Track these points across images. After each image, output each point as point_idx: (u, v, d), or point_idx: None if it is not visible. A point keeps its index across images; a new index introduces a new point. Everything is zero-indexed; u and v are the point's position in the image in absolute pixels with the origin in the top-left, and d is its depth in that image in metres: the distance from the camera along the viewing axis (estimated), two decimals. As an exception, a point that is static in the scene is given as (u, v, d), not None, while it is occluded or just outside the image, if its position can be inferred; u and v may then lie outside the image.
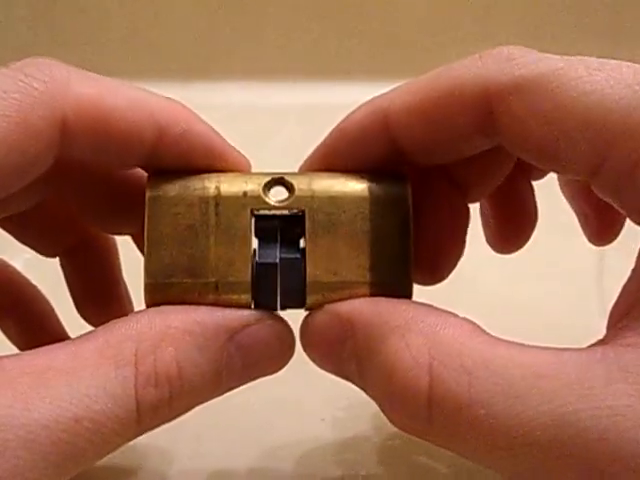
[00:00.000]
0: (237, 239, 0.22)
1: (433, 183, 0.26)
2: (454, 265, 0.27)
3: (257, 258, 0.22)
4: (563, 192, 0.29)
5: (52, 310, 0.31)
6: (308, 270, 0.22)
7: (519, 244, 0.28)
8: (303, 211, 0.22)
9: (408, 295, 0.23)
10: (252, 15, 0.55)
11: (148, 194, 0.22)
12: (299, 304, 0.23)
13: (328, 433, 0.31)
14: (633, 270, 0.21)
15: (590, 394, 0.18)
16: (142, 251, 0.24)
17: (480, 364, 0.19)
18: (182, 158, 0.23)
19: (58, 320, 0.31)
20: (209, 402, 0.30)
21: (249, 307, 0.22)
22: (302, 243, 0.23)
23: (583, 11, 0.53)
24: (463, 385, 0.19)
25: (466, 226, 0.27)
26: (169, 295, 0.22)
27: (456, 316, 0.21)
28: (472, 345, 0.20)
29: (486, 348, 0.20)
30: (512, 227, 0.28)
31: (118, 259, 0.30)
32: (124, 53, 0.54)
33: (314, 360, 0.23)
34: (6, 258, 0.30)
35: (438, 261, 0.26)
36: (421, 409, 0.20)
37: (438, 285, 0.26)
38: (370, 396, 0.22)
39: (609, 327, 0.21)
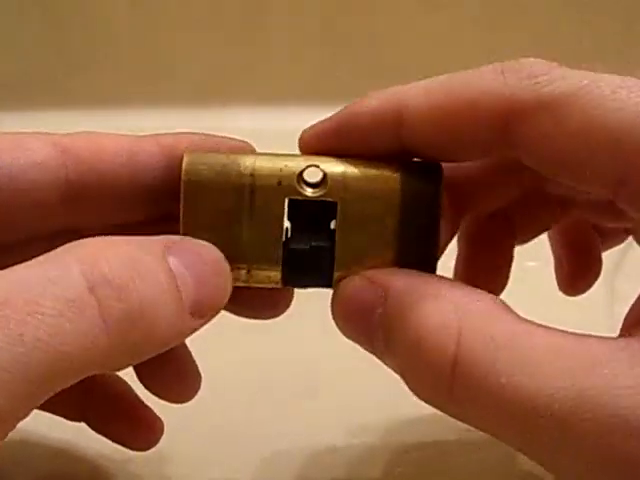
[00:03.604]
0: (270, 226, 0.23)
1: (484, 223, 0.28)
2: None
3: (289, 244, 0.23)
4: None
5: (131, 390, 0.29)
6: (337, 258, 0.23)
7: (585, 288, 0.31)
8: (336, 203, 0.23)
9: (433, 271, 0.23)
10: (263, 41, 0.55)
11: (184, 178, 0.23)
12: (327, 285, 0.23)
13: (338, 460, 0.31)
14: None
15: (611, 374, 0.19)
16: None
17: (507, 335, 0.20)
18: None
19: (136, 396, 0.29)
20: (215, 429, 0.31)
21: (278, 286, 0.23)
22: (332, 225, 0.23)
23: (596, 30, 0.53)
24: (488, 352, 0.20)
25: (509, 266, 0.29)
26: None
27: (487, 294, 0.22)
28: (501, 318, 0.21)
29: (514, 322, 0.20)
30: (582, 271, 0.30)
31: None
32: (135, 79, 0.54)
33: (342, 328, 0.23)
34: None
35: None
36: (444, 373, 0.20)
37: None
38: (392, 366, 0.22)
39: (626, 328, 0.22)
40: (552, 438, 0.19)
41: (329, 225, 0.23)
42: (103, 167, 0.24)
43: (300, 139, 0.24)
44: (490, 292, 0.27)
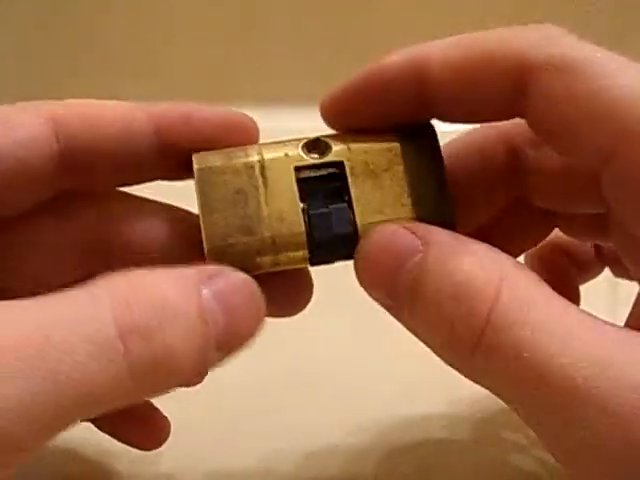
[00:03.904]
0: (285, 196, 0.23)
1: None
2: None
3: (308, 211, 0.23)
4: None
5: None
6: (357, 214, 0.23)
7: None
8: (342, 162, 0.24)
9: (453, 229, 0.24)
10: (263, 40, 0.56)
11: (196, 166, 0.24)
12: (351, 250, 0.23)
13: (340, 458, 0.31)
14: None
15: (634, 351, 0.19)
16: None
17: (542, 299, 0.20)
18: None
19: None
20: (217, 428, 0.31)
21: (306, 262, 0.23)
22: (345, 197, 0.24)
23: (587, 12, 0.53)
24: (522, 312, 0.20)
25: None
26: (230, 256, 0.23)
27: (525, 266, 0.22)
28: (539, 286, 0.21)
29: (551, 294, 0.21)
30: None
31: None
32: (133, 78, 0.54)
33: (366, 272, 0.23)
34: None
35: None
36: (479, 322, 0.20)
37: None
38: (413, 321, 0.22)
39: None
40: (564, 401, 0.19)
41: (341, 195, 0.24)
42: (94, 139, 0.24)
43: (321, 104, 0.25)
44: None
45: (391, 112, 0.24)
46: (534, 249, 0.31)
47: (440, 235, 0.22)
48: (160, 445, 0.28)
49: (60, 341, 0.19)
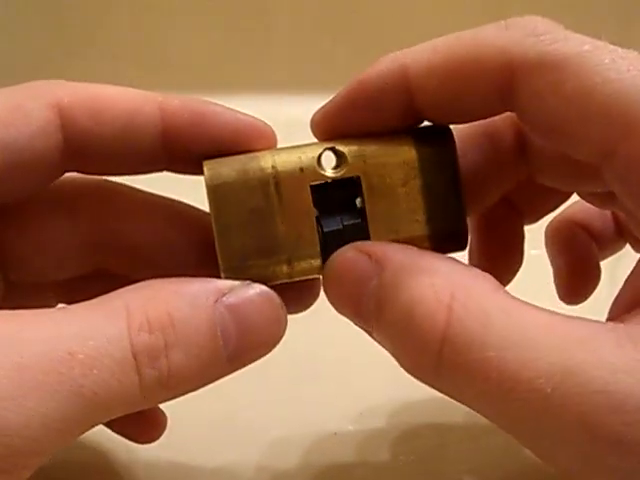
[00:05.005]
0: (301, 214, 0.23)
1: (489, 211, 0.28)
2: (511, 278, 0.29)
3: (322, 228, 0.23)
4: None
5: None
6: (371, 231, 0.23)
7: (585, 296, 0.31)
8: (359, 177, 0.23)
9: (464, 244, 0.24)
10: (264, 28, 0.55)
11: (209, 182, 0.23)
12: None
13: (339, 448, 0.31)
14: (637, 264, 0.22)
15: (598, 352, 0.19)
16: None
17: (498, 311, 0.20)
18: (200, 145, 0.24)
19: None
20: (220, 420, 0.31)
21: (319, 273, 0.23)
22: (358, 204, 0.24)
23: (595, 29, 0.53)
24: (479, 325, 0.20)
25: (522, 245, 0.30)
26: (246, 274, 0.23)
27: (483, 273, 0.22)
28: (493, 294, 0.21)
29: (505, 299, 0.20)
30: (580, 282, 0.31)
31: None
32: (136, 67, 0.54)
33: (334, 298, 0.23)
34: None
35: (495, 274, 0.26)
36: (433, 344, 0.20)
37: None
38: (381, 339, 0.22)
39: (613, 317, 0.22)
40: (536, 414, 0.19)
41: (355, 204, 0.24)
42: (97, 131, 0.23)
43: (312, 122, 0.24)
44: (506, 271, 0.28)
45: (382, 122, 0.24)
46: (553, 226, 0.32)
47: (395, 255, 0.22)
48: (156, 440, 0.29)
49: (84, 357, 0.20)
